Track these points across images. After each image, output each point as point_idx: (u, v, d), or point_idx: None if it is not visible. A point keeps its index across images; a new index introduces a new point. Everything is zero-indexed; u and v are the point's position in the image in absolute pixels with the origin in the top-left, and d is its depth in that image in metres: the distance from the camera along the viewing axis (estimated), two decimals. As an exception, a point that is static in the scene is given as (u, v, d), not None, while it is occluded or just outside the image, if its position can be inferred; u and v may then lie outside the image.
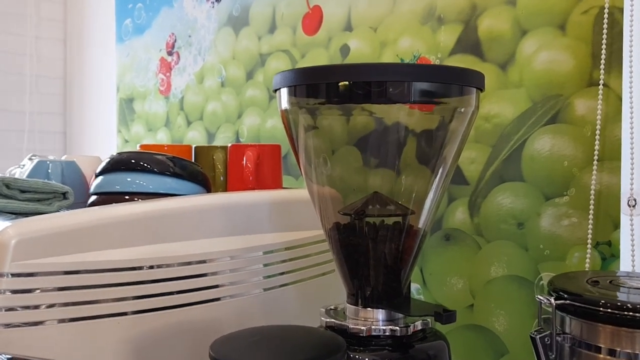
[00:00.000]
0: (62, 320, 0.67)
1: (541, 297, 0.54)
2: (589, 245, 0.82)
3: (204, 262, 0.78)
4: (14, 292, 0.64)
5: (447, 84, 0.60)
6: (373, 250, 0.65)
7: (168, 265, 0.75)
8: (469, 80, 0.61)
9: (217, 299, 0.79)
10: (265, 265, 0.85)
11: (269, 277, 0.85)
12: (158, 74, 1.80)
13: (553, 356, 0.52)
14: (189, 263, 0.77)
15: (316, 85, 0.60)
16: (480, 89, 0.62)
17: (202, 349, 0.78)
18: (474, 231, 0.97)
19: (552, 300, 0.52)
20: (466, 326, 0.98)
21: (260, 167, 0.95)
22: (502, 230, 0.93)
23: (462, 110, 0.62)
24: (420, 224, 0.66)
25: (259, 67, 1.42)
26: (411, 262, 0.66)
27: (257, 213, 0.86)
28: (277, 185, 0.97)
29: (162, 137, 1.77)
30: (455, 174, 0.98)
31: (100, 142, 2.18)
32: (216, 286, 0.80)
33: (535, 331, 0.56)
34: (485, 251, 0.95)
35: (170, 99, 1.75)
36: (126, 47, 1.96)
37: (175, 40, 1.72)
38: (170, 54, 1.74)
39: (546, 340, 0.53)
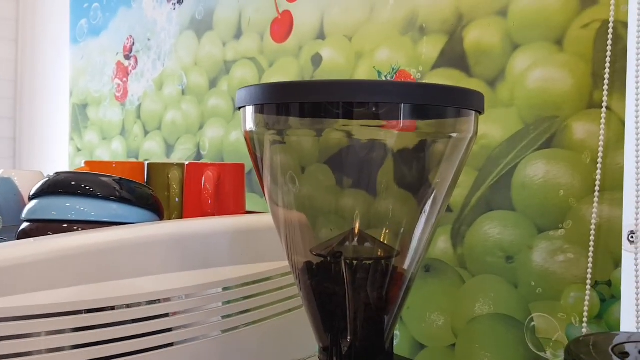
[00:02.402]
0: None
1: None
2: (588, 285, 0.73)
3: (155, 301, 0.67)
4: None
5: (443, 106, 0.50)
6: (351, 299, 0.55)
7: (112, 308, 0.64)
8: (468, 102, 0.52)
9: (171, 344, 0.69)
10: (224, 303, 0.75)
11: (228, 316, 0.75)
12: (114, 79, 1.68)
13: None
14: (138, 304, 0.66)
15: (288, 105, 0.50)
16: (480, 112, 0.53)
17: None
18: (457, 263, 0.88)
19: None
20: (447, 368, 0.88)
21: (221, 189, 0.84)
22: (488, 264, 0.84)
23: (460, 136, 0.53)
24: (407, 266, 0.57)
25: (223, 75, 1.31)
26: (395, 312, 0.56)
27: (216, 244, 0.75)
28: (239, 209, 0.87)
29: (117, 147, 1.64)
30: (438, 199, 0.89)
31: (52, 149, 2.04)
32: (169, 329, 0.69)
33: None
34: (470, 286, 0.86)
35: (126, 106, 1.62)
36: (81, 49, 1.83)
37: (133, 44, 1.60)
38: (127, 57, 1.62)
39: None
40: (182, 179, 0.89)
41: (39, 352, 0.59)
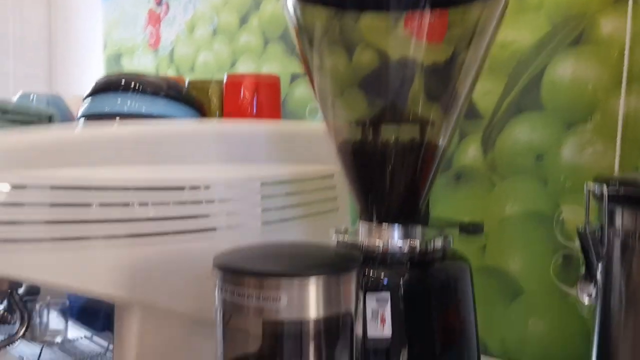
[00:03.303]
0: (50, 240, 0.60)
1: (590, 186, 0.48)
2: (616, 174, 0.76)
3: (197, 188, 0.72)
4: (1, 205, 0.57)
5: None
6: (389, 160, 0.58)
7: (159, 189, 0.69)
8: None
9: (213, 229, 0.73)
10: (263, 197, 0.79)
11: (267, 210, 0.79)
12: (146, 27, 1.72)
13: (605, 251, 0.46)
14: (182, 188, 0.70)
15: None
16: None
17: (198, 279, 0.71)
18: (487, 168, 0.91)
19: (604, 189, 0.46)
20: (478, 269, 0.91)
21: (259, 99, 0.88)
22: (518, 165, 0.87)
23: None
24: (440, 137, 0.60)
25: (253, 11, 1.35)
26: (431, 176, 0.60)
27: (255, 142, 0.79)
28: (276, 118, 0.91)
29: (151, 93, 1.69)
30: (468, 107, 0.92)
31: (87, 104, 2.10)
32: (211, 215, 0.73)
33: (582, 227, 0.49)
34: (500, 188, 0.89)
35: (159, 52, 1.67)
36: (113, 2, 1.88)
37: (164, -10, 1.64)
38: (159, 4, 1.66)
39: (596, 233, 0.47)
40: (222, 94, 0.93)
41: (91, 221, 0.64)
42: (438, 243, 0.58)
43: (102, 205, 0.64)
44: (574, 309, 0.81)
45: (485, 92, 0.90)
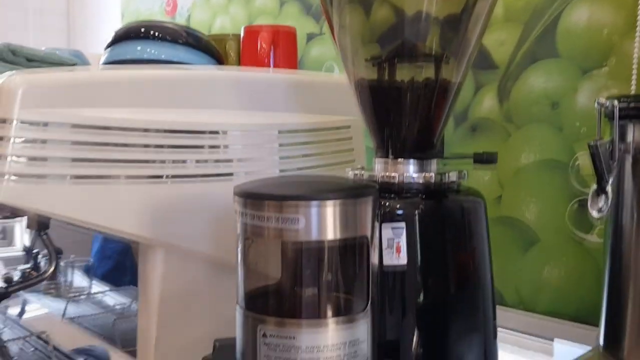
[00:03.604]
0: (75, 177, 0.62)
1: (602, 101, 0.49)
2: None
3: (216, 133, 0.73)
4: (26, 141, 0.59)
5: None
6: (405, 96, 0.59)
7: (179, 132, 0.70)
8: None
9: (230, 175, 0.75)
10: (281, 145, 0.80)
11: (284, 158, 0.80)
12: (164, -6, 1.73)
13: (614, 165, 0.47)
14: (202, 132, 0.72)
15: None
16: None
17: (218, 222, 0.73)
18: (503, 118, 0.91)
19: (615, 103, 0.46)
20: (493, 220, 0.92)
21: (276, 50, 0.89)
22: (534, 113, 0.87)
23: None
24: (455, 72, 0.61)
25: (269, -27, 1.35)
26: (445, 111, 0.61)
27: (273, 90, 0.81)
28: (293, 69, 0.92)
29: (169, 61, 1.71)
30: (483, 58, 0.93)
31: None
32: (229, 160, 0.75)
33: (593, 141, 0.50)
34: (515, 138, 0.90)
35: (176, 19, 1.68)
36: (130, -29, 1.89)
37: (181, -44, 1.65)
38: (176, -29, 1.67)
39: (607, 147, 0.48)
40: (239, 49, 0.94)
41: (113, 160, 0.66)
42: (453, 176, 0.59)
43: (123, 145, 0.66)
44: (589, 255, 0.82)
45: (501, 43, 0.90)
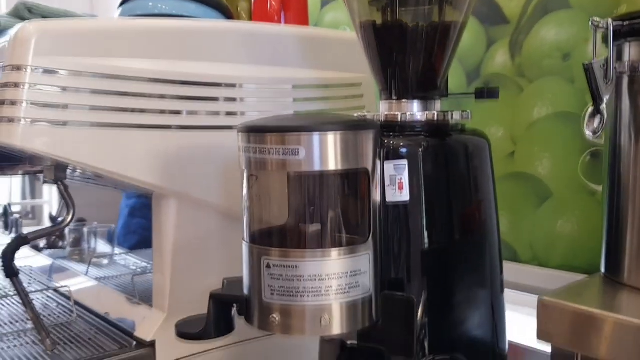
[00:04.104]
0: (90, 124, 0.64)
1: (596, 22, 0.48)
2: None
3: (231, 85, 0.75)
4: (40, 88, 0.61)
5: None
6: (408, 35, 0.60)
7: (194, 84, 0.72)
8: None
9: (245, 127, 0.76)
10: (295, 100, 0.82)
11: (298, 113, 0.82)
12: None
13: (609, 83, 0.47)
14: (218, 85, 0.74)
15: None
16: None
17: (231, 174, 0.75)
18: (515, 73, 0.91)
19: (610, 22, 0.46)
20: (506, 176, 0.93)
21: (286, 10, 0.90)
22: (546, 67, 0.87)
23: None
24: (457, 13, 0.61)
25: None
26: (449, 52, 0.61)
27: (287, 45, 0.82)
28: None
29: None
30: (494, 13, 0.92)
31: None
32: (243, 113, 0.76)
33: (588, 62, 0.50)
34: (528, 92, 0.89)
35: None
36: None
37: None
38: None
39: (602, 66, 0.48)
40: (251, 10, 0.95)
41: (133, 110, 0.67)
42: (456, 116, 0.59)
43: (137, 95, 0.67)
44: (601, 207, 0.82)
45: (512, -3, 0.90)
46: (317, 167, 0.50)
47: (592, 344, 0.46)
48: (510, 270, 0.89)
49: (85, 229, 1.24)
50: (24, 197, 1.82)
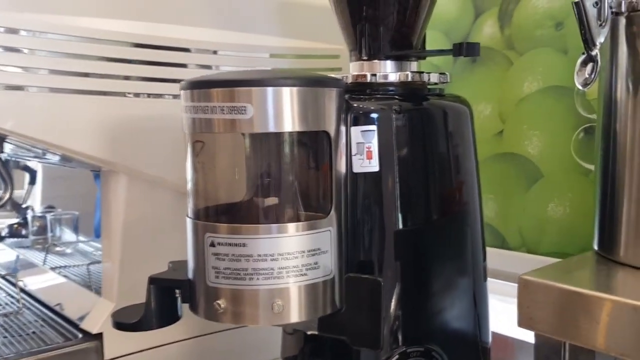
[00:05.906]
0: (30, 88, 0.57)
1: None
2: None
3: (205, 52, 0.68)
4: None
5: None
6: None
7: (164, 48, 0.65)
8: None
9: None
10: (273, 70, 0.75)
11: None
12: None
13: (603, 25, 0.40)
14: (186, 49, 0.67)
15: None
16: None
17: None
18: (504, 46, 0.84)
19: None
20: (494, 156, 0.86)
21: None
22: (537, 37, 0.80)
23: None
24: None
25: None
26: (426, 7, 0.54)
27: (261, 10, 0.75)
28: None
29: None
30: (482, -20, 0.85)
31: None
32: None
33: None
34: (518, 66, 0.83)
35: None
36: None
37: None
38: None
39: (595, 4, 0.41)
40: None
41: (88, 75, 0.60)
42: (434, 77, 0.52)
43: (95, 58, 0.60)
44: (594, 187, 0.75)
45: (502, -38, 0.83)
46: (270, 128, 0.43)
47: (582, 331, 0.40)
48: (498, 258, 0.82)
49: (49, 216, 1.17)
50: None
